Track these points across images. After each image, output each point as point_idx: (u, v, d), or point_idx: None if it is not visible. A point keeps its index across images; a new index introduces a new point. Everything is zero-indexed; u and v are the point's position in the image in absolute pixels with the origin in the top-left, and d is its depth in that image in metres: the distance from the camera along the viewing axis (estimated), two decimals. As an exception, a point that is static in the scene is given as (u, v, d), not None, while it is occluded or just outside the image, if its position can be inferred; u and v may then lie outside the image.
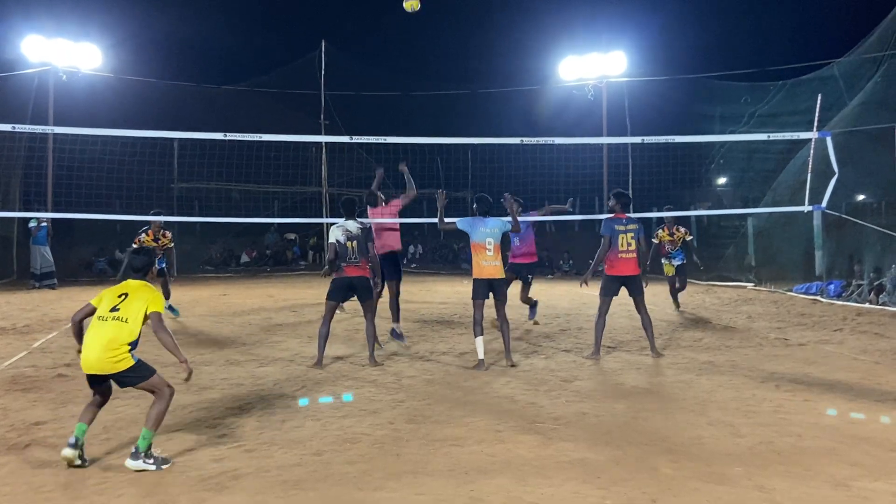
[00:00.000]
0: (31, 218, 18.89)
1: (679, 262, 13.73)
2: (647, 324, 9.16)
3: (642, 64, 24.83)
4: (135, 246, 11.08)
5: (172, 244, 12.58)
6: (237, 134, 11.20)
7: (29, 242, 18.89)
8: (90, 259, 23.80)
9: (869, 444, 5.46)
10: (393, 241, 10.18)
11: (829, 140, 11.66)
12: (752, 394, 7.07)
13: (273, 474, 4.86)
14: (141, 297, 5.30)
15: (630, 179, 22.69)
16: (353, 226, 8.75)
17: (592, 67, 24.12)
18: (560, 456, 5.22)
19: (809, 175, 12.35)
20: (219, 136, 11.22)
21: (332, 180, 25.33)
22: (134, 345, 5.15)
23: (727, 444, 5.51)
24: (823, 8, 38.93)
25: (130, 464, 4.91)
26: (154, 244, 11.97)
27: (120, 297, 5.30)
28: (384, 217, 10.19)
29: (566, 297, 16.62)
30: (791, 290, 16.66)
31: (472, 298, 8.80)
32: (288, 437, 5.67)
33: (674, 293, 13.81)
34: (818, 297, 15.38)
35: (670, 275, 13.84)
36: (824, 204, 11.71)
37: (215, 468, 4.97)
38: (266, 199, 25.80)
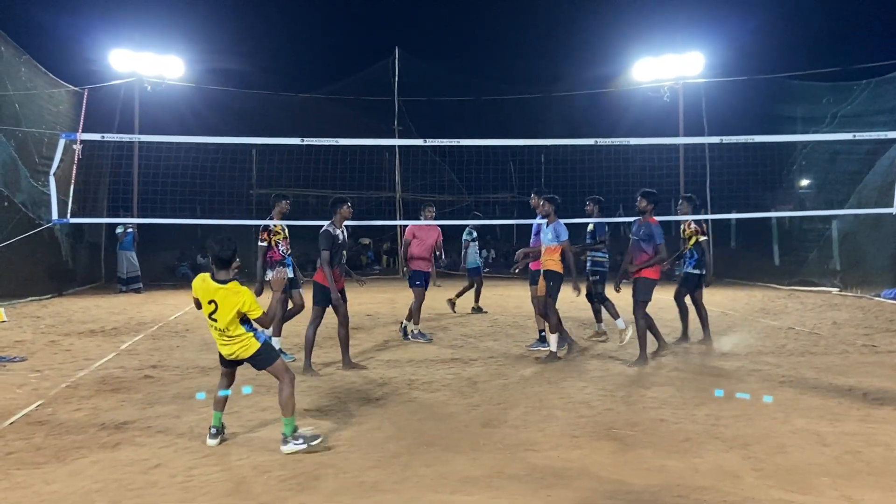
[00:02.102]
0: (118, 224, 19.59)
1: (688, 270, 10.25)
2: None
3: (720, 64, 24.30)
4: (262, 244, 9.33)
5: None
6: (313, 139, 11.38)
7: (116, 248, 19.58)
8: (173, 264, 24.54)
9: (965, 456, 5.23)
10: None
11: (919, 139, 11.22)
12: (837, 402, 6.85)
13: (351, 475, 4.94)
14: (230, 304, 5.40)
15: (707, 181, 22.25)
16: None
17: (668, 68, 23.74)
18: (638, 463, 5.15)
19: (898, 176, 11.91)
20: (296, 141, 11.42)
21: (405, 185, 25.57)
22: (249, 326, 5.55)
23: (812, 452, 5.35)
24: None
25: (283, 449, 5.38)
26: (280, 235, 9.53)
27: (210, 303, 5.47)
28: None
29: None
30: (879, 296, 16.05)
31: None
32: (365, 440, 5.75)
33: (683, 313, 10.32)
34: (908, 303, 14.80)
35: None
36: (914, 205, 11.25)
37: (296, 468, 5.07)
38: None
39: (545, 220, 9.32)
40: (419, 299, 10.89)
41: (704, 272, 10.15)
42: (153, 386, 7.72)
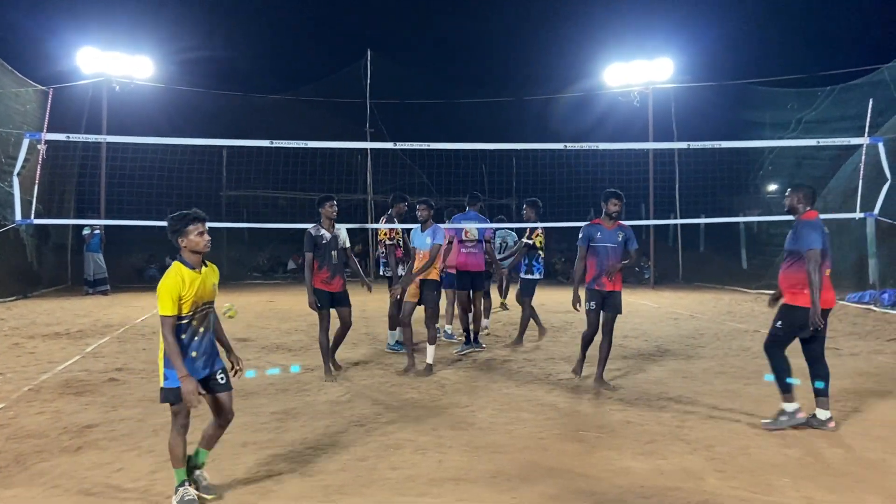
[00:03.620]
0: (84, 225, 19.33)
1: (536, 276, 10.58)
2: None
3: (689, 70, 24.55)
4: (390, 242, 10.28)
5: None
6: (284, 141, 11.34)
7: (83, 249, 19.31)
8: (141, 266, 24.26)
9: (923, 457, 5.33)
10: None
11: (881, 146, 11.42)
12: (801, 404, 6.93)
13: (317, 479, 4.91)
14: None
15: (677, 185, 22.48)
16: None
17: (638, 74, 23.93)
18: (604, 464, 5.19)
19: (861, 181, 12.09)
20: (266, 143, 11.38)
21: (377, 187, 25.54)
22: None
23: (775, 454, 5.42)
24: (871, 12, 38.17)
25: None
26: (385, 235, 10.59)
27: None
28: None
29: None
30: (843, 300, 16.29)
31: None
32: (332, 442, 5.73)
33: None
34: (871, 307, 15.04)
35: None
36: (876, 211, 11.45)
37: (260, 472, 5.04)
38: (312, 205, 25.98)
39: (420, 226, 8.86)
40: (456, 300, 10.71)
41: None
42: (118, 389, 7.63)
